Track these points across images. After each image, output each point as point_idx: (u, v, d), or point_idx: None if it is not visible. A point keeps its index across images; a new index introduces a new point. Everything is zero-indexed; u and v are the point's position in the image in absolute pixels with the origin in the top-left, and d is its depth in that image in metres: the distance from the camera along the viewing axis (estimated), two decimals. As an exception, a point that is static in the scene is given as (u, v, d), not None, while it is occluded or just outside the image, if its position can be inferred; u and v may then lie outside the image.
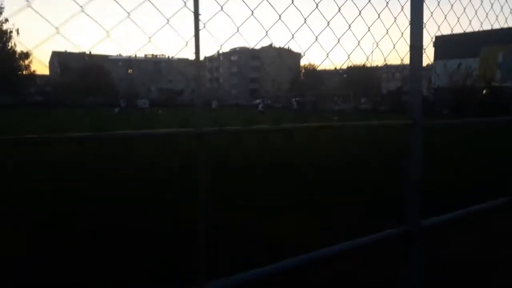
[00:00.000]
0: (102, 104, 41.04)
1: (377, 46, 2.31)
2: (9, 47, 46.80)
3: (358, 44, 2.22)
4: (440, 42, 54.13)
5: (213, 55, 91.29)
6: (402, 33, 2.22)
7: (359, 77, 54.76)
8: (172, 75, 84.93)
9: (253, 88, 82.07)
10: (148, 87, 74.59)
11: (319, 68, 73.26)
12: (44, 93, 52.87)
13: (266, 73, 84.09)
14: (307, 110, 41.21)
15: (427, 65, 64.27)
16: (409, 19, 2.26)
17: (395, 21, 2.20)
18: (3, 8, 46.24)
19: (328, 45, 1.98)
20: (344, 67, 67.08)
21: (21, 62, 47.84)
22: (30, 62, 48.95)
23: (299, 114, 32.24)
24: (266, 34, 1.69)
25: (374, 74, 60.04)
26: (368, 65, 61.95)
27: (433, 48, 57.75)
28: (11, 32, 46.97)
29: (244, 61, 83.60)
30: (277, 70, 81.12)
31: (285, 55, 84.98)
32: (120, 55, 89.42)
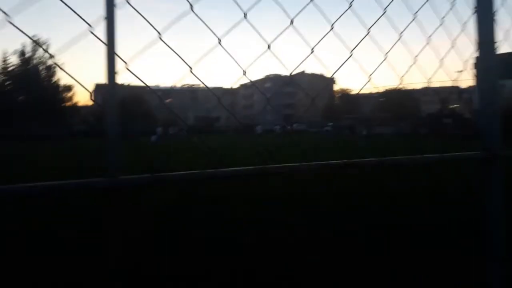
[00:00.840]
0: (141, 131, 41.96)
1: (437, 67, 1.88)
2: (53, 81, 49.45)
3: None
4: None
5: (247, 83, 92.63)
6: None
7: (396, 100, 53.45)
8: (208, 103, 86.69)
9: (288, 114, 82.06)
10: (185, 115, 76.23)
11: (354, 92, 72.37)
12: (87, 123, 55.02)
13: (300, 99, 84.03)
14: (344, 134, 40.40)
15: (469, 86, 62.17)
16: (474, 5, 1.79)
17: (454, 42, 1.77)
18: (49, 44, 49.19)
19: (361, 69, 1.69)
20: (381, 90, 65.92)
21: (64, 94, 50.32)
22: (73, 94, 51.44)
23: (333, 138, 31.51)
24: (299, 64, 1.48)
25: (412, 97, 58.44)
26: (406, 87, 60.50)
27: (474, 69, 55.98)
28: (55, 67, 49.75)
29: (278, 87, 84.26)
30: (310, 96, 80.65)
31: (318, 81, 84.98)
32: (158, 86, 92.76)
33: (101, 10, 1.16)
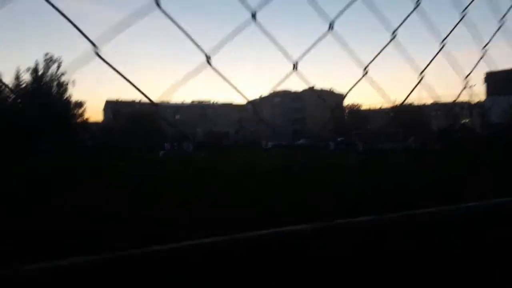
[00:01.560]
0: (151, 147, 42.25)
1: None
2: (65, 98, 50.11)
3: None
4: (491, 78, 52.19)
5: (255, 99, 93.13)
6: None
7: (406, 116, 52.97)
8: (217, 119, 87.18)
9: (296, 129, 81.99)
10: (194, 131, 76.62)
11: (363, 108, 72.09)
12: (95, 138, 55.54)
13: (308, 115, 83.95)
14: (353, 149, 40.01)
15: (478, 101, 61.52)
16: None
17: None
18: (61, 62, 50.01)
19: (372, 83, 1.57)
20: (390, 105, 65.57)
21: (75, 110, 50.93)
22: (83, 110, 52.03)
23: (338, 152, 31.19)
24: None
25: (422, 112, 57.92)
26: (416, 103, 60.06)
27: (485, 83, 55.48)
28: (67, 84, 50.49)
29: (287, 103, 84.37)
30: (319, 111, 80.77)
31: (327, 96, 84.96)
32: (168, 102, 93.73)
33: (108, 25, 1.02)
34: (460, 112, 54.81)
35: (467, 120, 52.00)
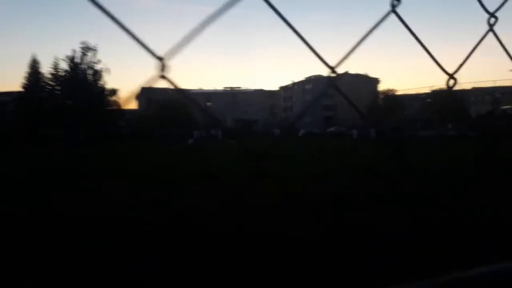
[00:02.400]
0: (182, 134, 42.93)
1: None
2: (100, 85, 51.42)
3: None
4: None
5: (287, 85, 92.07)
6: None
7: (444, 101, 50.64)
8: (248, 105, 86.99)
9: (328, 116, 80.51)
10: (224, 118, 76.92)
11: (399, 93, 69.56)
12: (130, 126, 56.90)
13: (341, 101, 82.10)
14: (387, 137, 38.75)
15: None
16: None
17: None
18: (97, 50, 51.28)
19: (407, 67, 1.23)
20: (428, 90, 62.94)
21: (110, 98, 52.15)
22: (118, 97, 53.19)
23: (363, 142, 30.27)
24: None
25: (461, 98, 55.23)
26: (455, 88, 57.24)
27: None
28: (102, 71, 51.75)
29: (319, 89, 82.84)
30: (353, 97, 78.69)
31: (362, 81, 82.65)
32: (201, 89, 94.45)
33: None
34: (501, 98, 51.86)
35: (509, 107, 49.08)
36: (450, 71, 1.36)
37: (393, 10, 1.14)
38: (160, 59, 0.85)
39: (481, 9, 1.34)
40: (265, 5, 0.92)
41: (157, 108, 61.97)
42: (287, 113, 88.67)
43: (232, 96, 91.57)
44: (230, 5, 0.90)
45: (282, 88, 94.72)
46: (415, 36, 1.20)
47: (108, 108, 50.99)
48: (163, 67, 0.84)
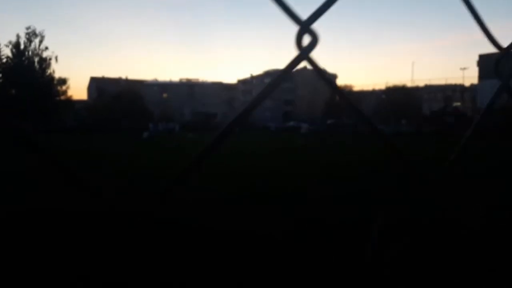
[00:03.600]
0: (135, 128, 40.91)
1: None
2: (48, 74, 47.91)
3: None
4: (485, 61, 50.86)
5: (246, 78, 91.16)
6: None
7: (398, 98, 51.99)
8: (206, 98, 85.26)
9: (287, 111, 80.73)
10: (181, 111, 74.85)
11: (355, 89, 70.80)
12: (80, 118, 53.61)
13: (300, 96, 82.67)
14: (345, 132, 39.19)
15: (471, 84, 60.65)
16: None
17: None
18: (44, 36, 47.70)
19: (365, 64, 0.71)
20: (383, 87, 64.46)
21: (58, 88, 48.79)
22: (67, 87, 49.95)
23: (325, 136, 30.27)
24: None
25: (414, 95, 57.00)
26: (409, 85, 59.05)
27: (477, 67, 54.25)
28: (50, 59, 48.21)
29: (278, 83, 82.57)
30: (311, 92, 79.53)
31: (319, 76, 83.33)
32: (156, 79, 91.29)
33: None
34: (452, 95, 54.03)
35: (459, 104, 51.27)
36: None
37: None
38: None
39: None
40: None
41: (109, 99, 58.88)
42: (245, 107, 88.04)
43: (189, 88, 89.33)
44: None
45: (240, 81, 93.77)
46: None
47: (56, 98, 47.72)
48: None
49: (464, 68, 56.75)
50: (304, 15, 0.66)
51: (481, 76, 52.29)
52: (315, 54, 0.75)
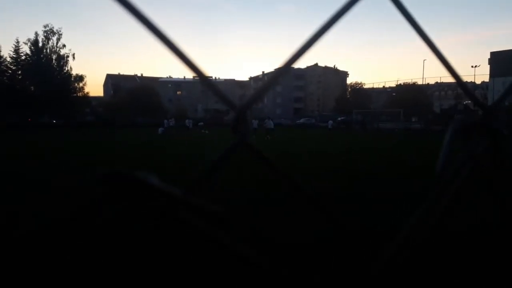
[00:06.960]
0: (150, 124, 42.32)
1: None
2: (65, 71, 49.52)
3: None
4: (497, 58, 50.76)
5: (257, 75, 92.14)
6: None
7: (408, 95, 52.31)
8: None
9: (297, 107, 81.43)
10: (195, 107, 76.19)
11: (366, 86, 71.17)
12: (96, 113, 55.40)
13: (311, 93, 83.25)
14: (356, 129, 39.85)
15: (482, 82, 60.46)
16: None
17: None
18: (61, 34, 49.27)
19: (377, 62, 1.29)
20: (393, 85, 64.77)
21: (76, 84, 50.39)
22: (84, 84, 51.52)
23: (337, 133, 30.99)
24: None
25: (425, 92, 57.23)
26: (419, 82, 59.26)
27: (489, 65, 54.14)
28: (67, 56, 49.81)
29: (289, 80, 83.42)
30: (322, 89, 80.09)
31: (330, 74, 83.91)
32: (170, 77, 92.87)
33: None
34: (463, 93, 54.06)
35: (470, 101, 51.31)
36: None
37: None
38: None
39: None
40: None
41: (125, 95, 60.53)
42: (258, 104, 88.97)
43: (202, 85, 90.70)
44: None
45: (252, 78, 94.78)
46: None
47: (74, 95, 49.37)
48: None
49: (476, 66, 56.56)
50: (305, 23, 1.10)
51: (493, 73, 52.28)
52: (326, 54, 1.22)
